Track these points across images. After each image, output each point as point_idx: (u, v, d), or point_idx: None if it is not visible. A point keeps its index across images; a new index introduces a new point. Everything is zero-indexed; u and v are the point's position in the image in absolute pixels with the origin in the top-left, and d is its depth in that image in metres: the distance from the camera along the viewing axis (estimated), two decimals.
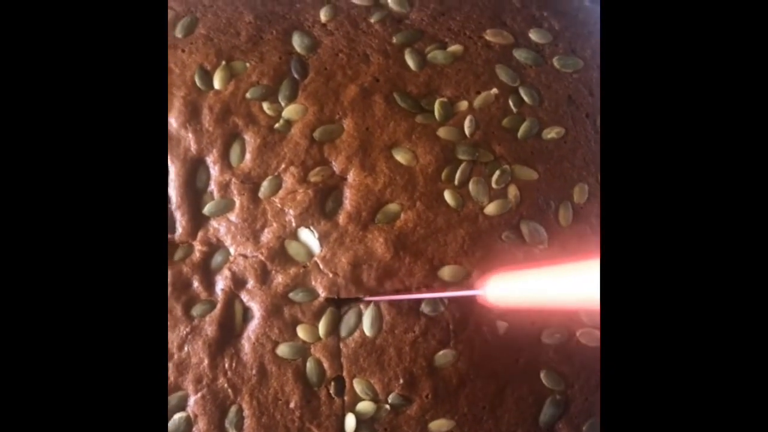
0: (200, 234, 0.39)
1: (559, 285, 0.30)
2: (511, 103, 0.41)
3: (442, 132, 0.40)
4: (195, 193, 0.39)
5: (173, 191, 0.39)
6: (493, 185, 0.40)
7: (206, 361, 0.38)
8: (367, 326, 0.38)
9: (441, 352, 0.38)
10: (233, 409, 0.38)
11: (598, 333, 0.39)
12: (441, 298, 0.38)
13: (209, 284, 0.39)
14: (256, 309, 0.38)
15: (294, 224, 0.39)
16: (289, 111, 0.40)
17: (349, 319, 0.38)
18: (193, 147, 0.39)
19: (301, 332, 0.38)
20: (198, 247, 0.39)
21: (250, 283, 0.38)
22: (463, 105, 0.41)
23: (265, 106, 0.40)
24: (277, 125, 0.40)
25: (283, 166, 0.39)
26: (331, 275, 0.38)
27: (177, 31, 0.41)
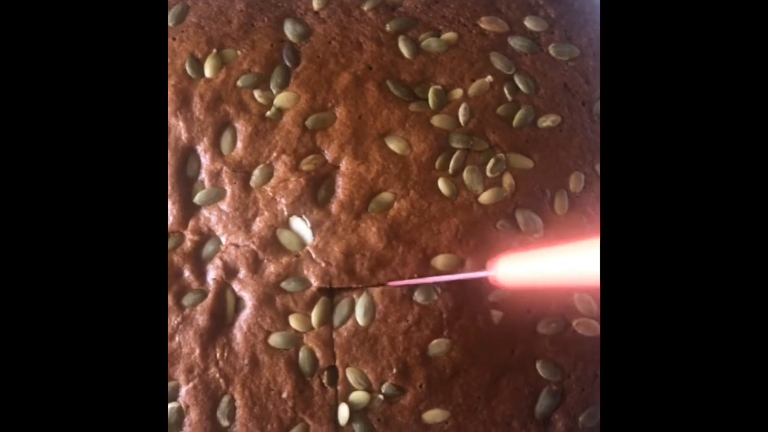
0: (191, 223, 0.39)
1: (568, 264, 0.30)
2: (506, 91, 0.41)
3: (436, 120, 0.39)
4: (186, 182, 0.39)
5: None
6: (488, 174, 0.39)
7: (197, 351, 0.37)
8: (360, 315, 0.38)
9: (434, 342, 0.38)
10: (225, 399, 0.37)
11: (594, 323, 0.39)
12: (434, 288, 0.38)
13: (200, 274, 0.38)
14: (248, 298, 0.38)
15: (286, 213, 0.38)
16: (281, 99, 0.39)
17: (341, 308, 0.38)
18: (184, 135, 0.39)
19: (294, 322, 0.38)
20: (189, 237, 0.38)
21: (242, 273, 0.38)
22: (458, 93, 0.40)
23: (257, 94, 0.39)
24: (268, 113, 0.39)
25: (274, 154, 0.39)
26: (323, 264, 0.38)
27: (168, 20, 0.41)
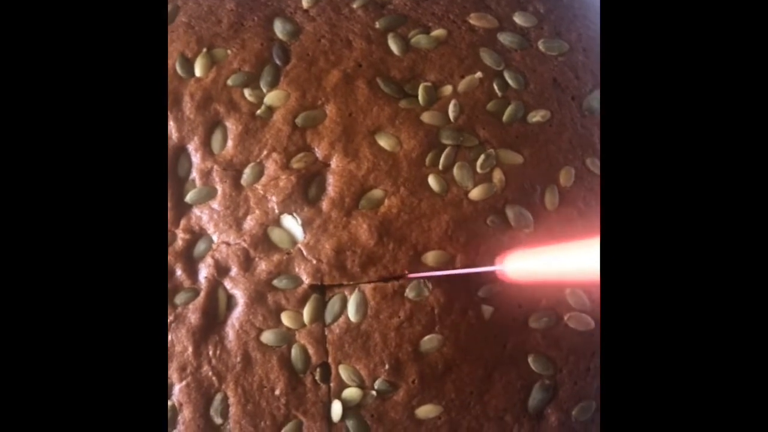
0: (183, 222, 0.39)
1: (580, 260, 0.30)
2: (495, 87, 0.41)
3: (426, 117, 0.40)
4: (177, 181, 0.39)
5: None
6: (478, 170, 0.39)
7: (190, 349, 0.38)
8: (351, 312, 0.38)
9: (426, 337, 0.38)
10: (218, 397, 0.37)
11: (586, 317, 0.39)
12: (425, 284, 0.38)
13: (192, 272, 0.38)
14: (240, 296, 0.38)
15: (277, 211, 0.39)
16: (271, 97, 0.39)
17: (333, 305, 0.38)
18: (175, 135, 0.39)
19: (286, 319, 0.38)
20: (180, 235, 0.39)
21: (234, 271, 0.38)
22: (447, 89, 0.40)
23: (247, 92, 0.40)
24: (258, 112, 0.39)
25: (265, 152, 0.39)
26: (314, 262, 0.38)
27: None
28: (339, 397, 0.38)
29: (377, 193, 0.38)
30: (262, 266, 0.38)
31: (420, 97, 0.40)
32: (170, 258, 0.38)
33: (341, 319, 0.38)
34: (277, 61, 0.40)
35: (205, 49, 0.40)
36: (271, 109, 0.39)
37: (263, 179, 0.39)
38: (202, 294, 0.38)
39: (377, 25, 0.41)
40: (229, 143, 0.39)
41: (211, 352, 0.38)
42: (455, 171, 0.39)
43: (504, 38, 0.42)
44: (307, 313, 0.38)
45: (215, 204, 0.39)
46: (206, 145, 0.39)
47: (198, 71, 0.40)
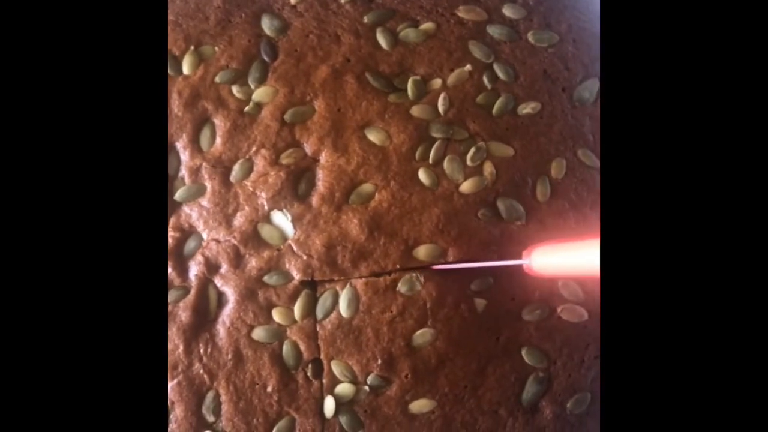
0: (172, 220, 0.39)
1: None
2: (485, 79, 0.40)
3: (415, 110, 0.39)
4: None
5: None
6: (469, 163, 0.39)
7: (181, 347, 0.37)
8: (343, 307, 0.38)
9: (419, 332, 0.38)
10: (210, 394, 0.37)
11: (579, 308, 0.39)
12: (417, 277, 0.38)
13: (183, 270, 0.38)
14: (231, 293, 0.38)
15: (266, 207, 0.38)
16: (259, 93, 0.39)
17: (325, 300, 0.38)
18: None
19: (277, 315, 0.38)
20: (170, 233, 0.38)
21: (224, 268, 0.38)
22: (437, 83, 0.40)
23: (235, 89, 0.39)
24: (247, 108, 0.39)
25: (254, 149, 0.39)
26: (305, 257, 0.38)
27: None
28: (332, 393, 0.37)
29: (367, 187, 0.38)
30: (253, 263, 0.38)
31: (409, 91, 0.40)
32: None
33: (333, 315, 0.38)
34: (265, 58, 0.40)
35: (192, 47, 0.40)
36: (259, 106, 0.39)
37: (252, 176, 0.39)
38: (193, 292, 0.38)
39: (365, 19, 0.41)
40: (218, 140, 0.39)
41: (202, 350, 0.38)
42: (445, 164, 0.39)
43: (493, 30, 0.42)
44: (298, 309, 0.38)
45: (204, 201, 0.39)
46: (195, 143, 0.39)
47: (186, 69, 0.40)
